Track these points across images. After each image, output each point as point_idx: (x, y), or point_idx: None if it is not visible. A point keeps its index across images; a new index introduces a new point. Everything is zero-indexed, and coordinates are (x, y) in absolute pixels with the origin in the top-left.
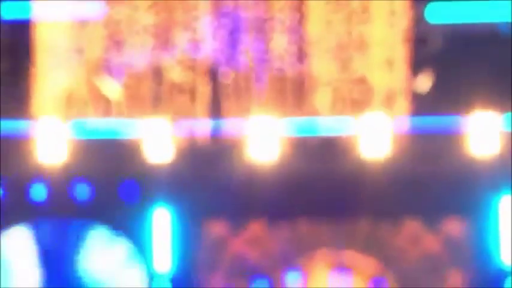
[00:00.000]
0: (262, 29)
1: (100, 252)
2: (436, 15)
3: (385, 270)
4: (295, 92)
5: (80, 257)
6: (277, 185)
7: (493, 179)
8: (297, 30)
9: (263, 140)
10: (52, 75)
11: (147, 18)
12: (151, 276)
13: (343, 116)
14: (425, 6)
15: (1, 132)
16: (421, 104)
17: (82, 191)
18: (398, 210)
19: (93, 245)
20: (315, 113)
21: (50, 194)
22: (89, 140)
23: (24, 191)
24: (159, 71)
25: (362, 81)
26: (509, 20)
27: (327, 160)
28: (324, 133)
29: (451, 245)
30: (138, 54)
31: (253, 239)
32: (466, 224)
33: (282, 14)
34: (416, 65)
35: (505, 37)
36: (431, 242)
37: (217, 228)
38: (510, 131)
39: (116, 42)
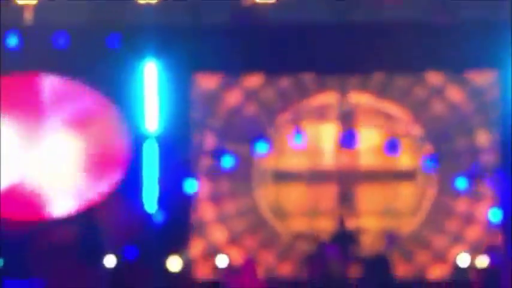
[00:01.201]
0: None
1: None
2: None
3: (412, 119)
4: None
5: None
6: (278, 31)
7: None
8: None
9: None
10: None
11: None
12: (138, 135)
13: None
14: None
15: None
16: None
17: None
18: (421, 62)
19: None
20: None
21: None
22: None
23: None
24: None
25: None
26: None
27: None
28: None
29: (476, 96)
30: None
31: (251, 92)
32: (491, 75)
33: None
34: None
35: None
36: (455, 93)
37: (209, 82)
38: None
39: None
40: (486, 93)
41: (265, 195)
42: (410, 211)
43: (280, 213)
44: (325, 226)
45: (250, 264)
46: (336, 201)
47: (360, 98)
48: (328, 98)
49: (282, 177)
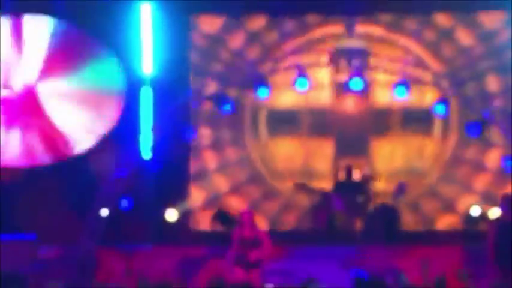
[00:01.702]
0: None
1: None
2: None
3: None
4: None
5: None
6: None
7: None
8: None
9: None
10: None
11: None
12: (134, 79)
13: None
14: None
15: None
16: None
17: None
18: (429, 3)
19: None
20: None
21: None
22: None
23: None
24: None
25: None
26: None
27: None
28: None
29: (486, 39)
30: None
31: (254, 35)
32: (501, 16)
33: None
34: None
35: None
36: (464, 36)
37: (210, 25)
38: None
39: None
40: (496, 36)
41: (260, 147)
42: (422, 160)
43: (274, 171)
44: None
45: (248, 215)
46: (339, 150)
47: (370, 29)
48: (334, 29)
49: (280, 121)
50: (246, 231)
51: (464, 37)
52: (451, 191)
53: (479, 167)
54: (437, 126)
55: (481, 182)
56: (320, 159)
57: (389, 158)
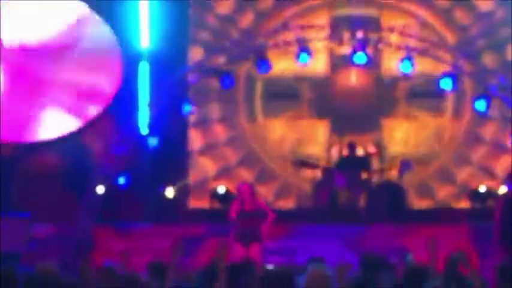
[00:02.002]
0: None
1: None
2: None
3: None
4: None
5: None
6: None
7: None
8: None
9: None
10: None
11: None
12: (132, 53)
13: None
14: None
15: None
16: None
17: None
18: None
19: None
20: None
21: None
22: None
23: None
24: None
25: None
26: None
27: None
28: None
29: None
30: None
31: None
32: None
33: None
34: None
35: None
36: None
37: None
38: None
39: None
40: None
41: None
42: (432, 139)
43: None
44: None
45: (247, 188)
46: (341, 127)
47: None
48: None
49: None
50: (247, 205)
51: (482, 3)
52: (462, 170)
53: (496, 147)
54: (449, 102)
55: (479, 155)
56: (320, 137)
57: (397, 135)
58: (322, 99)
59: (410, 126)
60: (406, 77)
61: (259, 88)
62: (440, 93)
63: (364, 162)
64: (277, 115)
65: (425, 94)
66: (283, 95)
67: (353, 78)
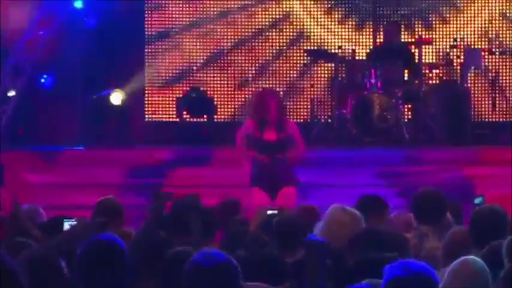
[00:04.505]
0: None
1: None
2: None
3: None
4: None
5: None
6: None
7: None
8: None
9: None
10: None
11: None
12: None
13: None
14: None
15: None
16: None
17: None
18: None
19: None
20: None
21: None
22: None
23: None
24: None
25: None
26: None
27: None
28: None
29: None
30: None
31: None
32: None
33: None
34: None
35: None
36: None
37: None
38: None
39: None
40: None
41: None
42: None
43: None
44: None
45: (273, 97)
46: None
47: None
48: None
49: None
50: (269, 129)
51: None
52: None
53: None
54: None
55: None
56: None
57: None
58: None
59: None
60: None
61: None
62: None
63: (406, 52)
64: None
65: None
66: None
67: None
